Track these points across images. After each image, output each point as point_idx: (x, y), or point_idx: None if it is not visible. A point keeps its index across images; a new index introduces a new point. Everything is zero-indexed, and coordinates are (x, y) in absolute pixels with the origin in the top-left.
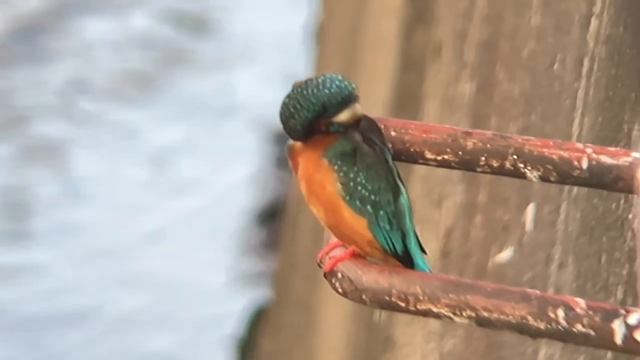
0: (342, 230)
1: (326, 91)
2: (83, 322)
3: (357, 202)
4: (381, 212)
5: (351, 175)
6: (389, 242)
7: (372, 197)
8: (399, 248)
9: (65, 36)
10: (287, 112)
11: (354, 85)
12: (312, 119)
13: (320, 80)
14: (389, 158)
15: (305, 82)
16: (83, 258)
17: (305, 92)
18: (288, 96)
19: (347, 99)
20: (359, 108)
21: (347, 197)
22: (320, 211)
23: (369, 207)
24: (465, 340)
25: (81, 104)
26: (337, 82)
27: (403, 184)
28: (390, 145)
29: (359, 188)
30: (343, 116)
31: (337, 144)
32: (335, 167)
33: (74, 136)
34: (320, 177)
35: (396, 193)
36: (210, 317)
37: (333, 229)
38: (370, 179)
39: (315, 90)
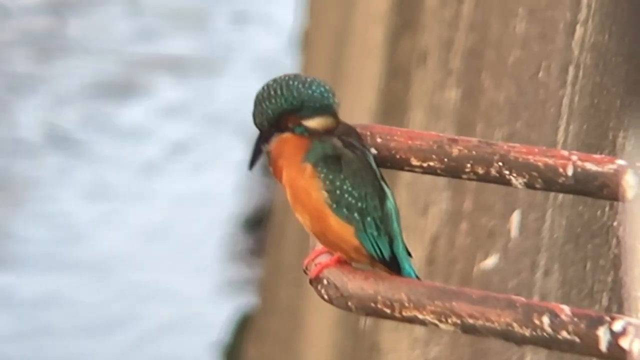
0: (328, 237)
1: (310, 91)
2: (64, 332)
3: (344, 210)
4: (368, 219)
5: (337, 183)
6: (376, 248)
7: (359, 204)
8: (386, 253)
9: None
10: (266, 93)
11: (336, 100)
12: (284, 111)
13: (309, 80)
14: (372, 161)
15: (295, 75)
16: (69, 264)
17: (291, 82)
18: (274, 80)
19: (325, 108)
20: (331, 122)
21: (334, 205)
22: (306, 218)
23: (356, 214)
24: (451, 347)
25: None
26: (323, 89)
27: (388, 186)
28: (370, 149)
29: (346, 196)
30: (314, 122)
31: (316, 147)
32: (321, 175)
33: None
34: (304, 183)
35: (382, 197)
36: (196, 324)
37: (319, 235)
38: (357, 186)
39: (300, 86)
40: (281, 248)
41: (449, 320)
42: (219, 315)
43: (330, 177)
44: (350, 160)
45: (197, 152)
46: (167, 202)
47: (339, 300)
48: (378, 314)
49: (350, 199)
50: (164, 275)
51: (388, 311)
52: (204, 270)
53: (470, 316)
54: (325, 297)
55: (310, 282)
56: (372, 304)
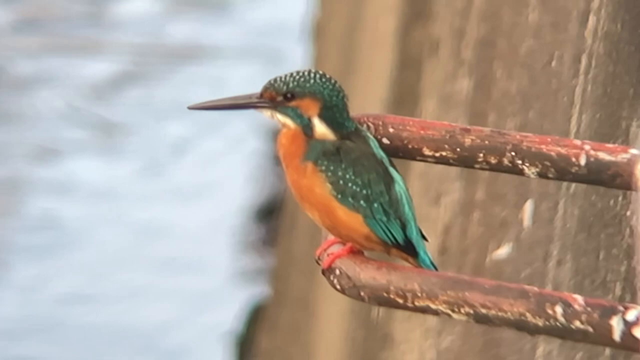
0: (339, 230)
1: (344, 106)
2: (84, 326)
3: (350, 199)
4: (375, 205)
5: (339, 173)
6: (388, 234)
7: (364, 191)
8: (399, 238)
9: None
10: (316, 75)
11: (352, 127)
12: (316, 97)
13: (342, 94)
14: (375, 146)
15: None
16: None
17: (331, 81)
18: (318, 72)
19: (340, 127)
20: (332, 139)
21: (339, 196)
22: (315, 214)
23: (362, 201)
24: (463, 337)
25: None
26: (350, 117)
27: (397, 171)
28: (382, 138)
29: (349, 184)
30: (323, 130)
31: (314, 145)
32: (322, 168)
33: (74, 137)
34: (306, 182)
35: (389, 182)
36: (208, 314)
37: (330, 229)
38: (359, 173)
39: (344, 97)
40: (293, 238)
41: (462, 310)
42: (231, 305)
43: (332, 168)
44: (349, 150)
45: (209, 142)
46: (180, 193)
47: (351, 290)
48: (390, 304)
49: (354, 187)
50: (176, 266)
51: (400, 301)
52: (216, 260)
53: (483, 306)
54: (338, 287)
55: (323, 272)
56: (385, 294)
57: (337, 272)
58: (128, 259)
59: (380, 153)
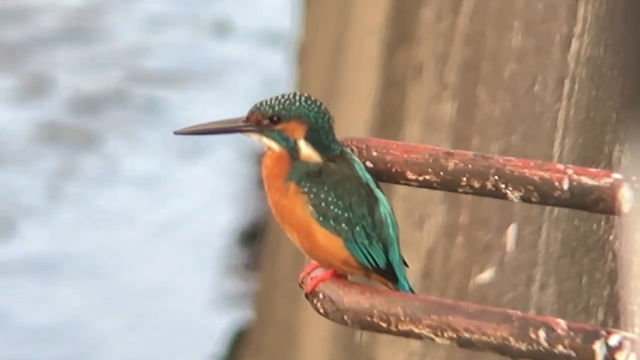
0: (317, 253)
1: (330, 129)
2: (62, 339)
3: (331, 222)
4: (357, 228)
5: (322, 195)
6: (369, 258)
7: (346, 214)
8: (381, 262)
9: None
10: (301, 97)
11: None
12: (301, 120)
13: (327, 116)
14: (359, 168)
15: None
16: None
17: (317, 103)
18: (304, 94)
19: (327, 150)
20: (318, 162)
21: (321, 218)
22: (294, 236)
23: (343, 224)
24: None
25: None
26: (332, 137)
27: (383, 193)
28: (365, 162)
29: (331, 207)
30: (309, 152)
31: (298, 166)
32: (305, 190)
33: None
34: (288, 203)
35: (372, 204)
36: (191, 338)
37: (309, 252)
38: (341, 196)
39: (329, 119)
40: (277, 262)
41: (445, 335)
42: (214, 329)
43: (314, 190)
44: (333, 172)
45: (191, 164)
46: (162, 214)
47: (335, 314)
48: (374, 328)
49: (336, 209)
50: (158, 288)
51: (384, 325)
52: (199, 283)
53: (467, 330)
54: (321, 311)
55: (306, 296)
56: (368, 318)
57: (321, 296)
58: (108, 279)
59: (366, 175)
